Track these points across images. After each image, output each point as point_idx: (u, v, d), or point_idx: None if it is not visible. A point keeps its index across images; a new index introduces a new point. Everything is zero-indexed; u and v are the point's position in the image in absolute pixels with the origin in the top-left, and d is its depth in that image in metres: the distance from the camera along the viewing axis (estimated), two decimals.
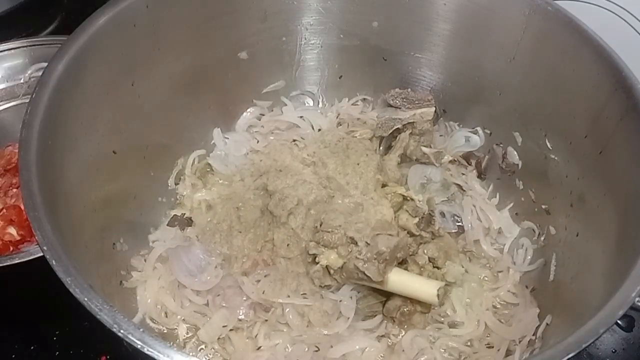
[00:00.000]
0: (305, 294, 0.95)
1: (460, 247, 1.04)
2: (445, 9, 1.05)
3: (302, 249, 0.97)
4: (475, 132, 1.14)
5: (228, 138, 1.16)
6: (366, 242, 0.91)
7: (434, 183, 1.09)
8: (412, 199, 1.04)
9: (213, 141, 1.15)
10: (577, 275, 0.90)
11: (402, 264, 0.94)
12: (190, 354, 0.83)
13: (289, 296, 0.94)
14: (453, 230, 1.05)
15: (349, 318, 0.93)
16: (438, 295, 0.88)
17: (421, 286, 0.90)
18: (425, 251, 0.97)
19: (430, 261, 0.97)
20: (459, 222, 1.07)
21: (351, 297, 0.94)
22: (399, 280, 0.91)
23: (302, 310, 0.93)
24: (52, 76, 0.80)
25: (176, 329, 0.94)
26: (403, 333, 0.93)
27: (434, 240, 1.00)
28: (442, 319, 0.96)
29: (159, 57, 0.97)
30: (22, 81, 1.22)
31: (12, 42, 1.23)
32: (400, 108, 1.13)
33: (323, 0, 1.09)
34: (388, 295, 0.94)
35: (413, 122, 1.11)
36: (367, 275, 0.89)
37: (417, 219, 0.99)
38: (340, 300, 0.94)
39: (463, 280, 0.99)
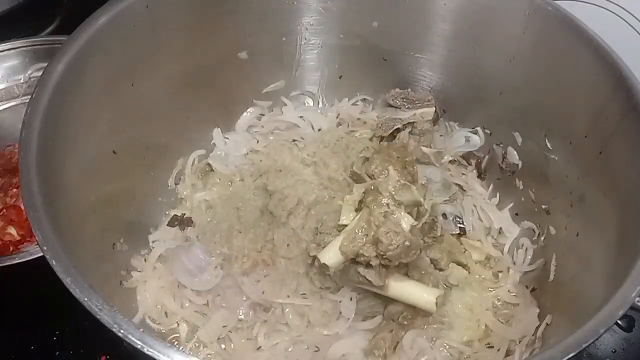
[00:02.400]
0: (305, 294, 0.95)
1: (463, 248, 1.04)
2: (445, 9, 1.05)
3: (302, 249, 0.97)
4: (475, 132, 1.14)
5: (228, 138, 1.16)
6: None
7: (434, 183, 1.09)
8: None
9: (213, 141, 1.15)
10: (577, 275, 0.90)
11: (401, 268, 0.94)
12: (190, 354, 0.83)
13: (288, 296, 0.94)
14: (454, 232, 1.05)
15: (349, 319, 0.92)
16: (436, 303, 0.88)
17: (421, 294, 0.90)
18: (428, 252, 0.96)
19: (432, 262, 0.96)
20: (460, 223, 1.07)
21: (351, 299, 0.94)
22: (400, 286, 0.90)
23: (302, 311, 0.93)
24: (52, 76, 0.80)
25: (176, 329, 0.94)
26: (403, 333, 0.93)
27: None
28: (443, 319, 0.96)
29: (159, 57, 0.97)
30: (22, 81, 1.22)
31: (12, 42, 1.23)
32: (400, 108, 1.13)
33: (323, 0, 1.09)
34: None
35: (413, 122, 1.11)
36: (367, 280, 0.89)
37: (420, 224, 0.98)
38: (340, 301, 0.94)
39: (465, 283, 0.99)
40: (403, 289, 0.90)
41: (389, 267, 0.90)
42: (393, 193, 0.91)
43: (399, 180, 0.93)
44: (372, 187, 0.93)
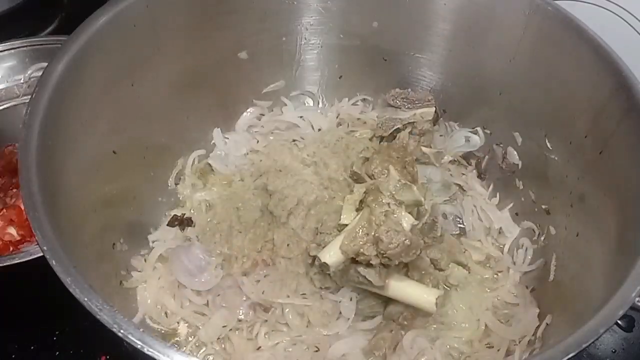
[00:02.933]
0: (305, 294, 0.95)
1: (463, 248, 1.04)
2: (445, 9, 1.05)
3: (302, 249, 0.97)
4: (475, 132, 1.14)
5: (228, 138, 1.16)
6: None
7: (434, 183, 1.09)
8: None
9: (213, 141, 1.15)
10: (577, 275, 0.90)
11: (401, 268, 0.94)
12: (190, 354, 0.83)
13: (288, 296, 0.94)
14: (455, 232, 1.05)
15: (349, 319, 0.92)
16: (436, 303, 0.88)
17: (421, 294, 0.89)
18: (428, 252, 0.96)
19: (432, 262, 0.96)
20: (460, 223, 1.06)
21: (351, 299, 0.94)
22: (400, 286, 0.90)
23: (302, 311, 0.93)
24: (52, 76, 0.79)
25: (176, 329, 0.94)
26: (403, 333, 0.93)
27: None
28: (443, 319, 0.96)
29: (159, 57, 0.97)
30: (22, 81, 1.22)
31: (12, 42, 1.22)
32: (400, 108, 1.13)
33: (323, 0, 1.09)
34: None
35: (413, 122, 1.11)
36: (367, 280, 0.89)
37: (420, 224, 0.98)
38: (340, 301, 0.94)
39: (465, 283, 0.99)
40: (403, 289, 0.90)
41: (389, 267, 0.90)
42: (394, 193, 0.91)
43: (399, 180, 0.93)
44: (373, 187, 0.93)
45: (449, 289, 0.98)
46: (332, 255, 0.89)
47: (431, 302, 0.88)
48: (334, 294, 0.95)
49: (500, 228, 1.08)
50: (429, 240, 0.97)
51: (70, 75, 0.81)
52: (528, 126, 1.04)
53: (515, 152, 1.08)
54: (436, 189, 1.09)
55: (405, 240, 0.86)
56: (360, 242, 0.88)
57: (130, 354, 0.62)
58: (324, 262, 0.89)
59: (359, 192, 0.94)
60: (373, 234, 0.87)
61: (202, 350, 0.92)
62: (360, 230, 0.88)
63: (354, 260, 0.90)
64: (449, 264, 0.98)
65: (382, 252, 0.87)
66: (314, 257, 0.93)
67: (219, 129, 1.15)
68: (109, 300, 0.63)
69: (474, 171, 1.15)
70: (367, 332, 0.93)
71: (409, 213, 0.91)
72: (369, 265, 0.89)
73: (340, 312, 0.94)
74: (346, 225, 0.92)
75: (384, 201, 0.91)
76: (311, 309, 0.93)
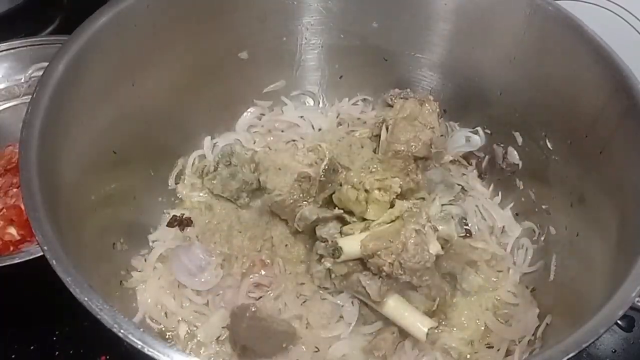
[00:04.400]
0: (304, 295, 0.95)
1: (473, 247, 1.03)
2: (445, 9, 1.05)
3: (302, 249, 0.98)
4: (476, 132, 1.14)
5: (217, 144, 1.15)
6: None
7: (436, 184, 1.08)
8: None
9: (215, 141, 1.15)
10: (577, 275, 0.90)
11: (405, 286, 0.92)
12: (190, 354, 0.83)
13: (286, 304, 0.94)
14: (461, 234, 1.04)
15: (350, 324, 0.92)
16: (428, 334, 0.87)
17: (414, 322, 0.88)
18: (445, 262, 0.95)
19: (448, 274, 0.96)
20: (466, 224, 1.06)
21: (353, 304, 0.94)
22: (396, 307, 0.89)
23: (301, 312, 0.93)
24: (52, 76, 0.80)
25: (176, 328, 0.94)
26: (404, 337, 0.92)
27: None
28: (443, 320, 0.96)
29: (159, 57, 0.97)
30: (22, 81, 1.22)
31: (12, 42, 1.22)
32: None
33: (323, 0, 1.09)
34: None
35: None
36: (367, 292, 0.88)
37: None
38: (343, 306, 0.94)
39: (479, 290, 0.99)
40: (399, 311, 0.89)
41: (392, 285, 0.89)
42: (433, 217, 0.93)
43: (443, 210, 0.96)
44: (415, 208, 0.93)
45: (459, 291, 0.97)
46: (350, 245, 0.89)
47: (423, 332, 0.87)
48: (333, 295, 0.95)
49: (503, 227, 1.07)
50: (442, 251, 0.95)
51: (70, 75, 0.81)
52: (528, 126, 1.04)
53: (516, 152, 1.08)
54: (440, 189, 1.08)
55: (427, 262, 0.86)
56: (382, 245, 0.87)
57: (130, 354, 0.62)
58: (334, 261, 0.89)
59: (399, 209, 0.94)
60: (397, 243, 0.87)
61: (202, 350, 0.92)
62: (387, 235, 0.88)
63: (364, 266, 0.89)
64: (463, 267, 0.97)
65: (401, 261, 0.86)
66: (321, 256, 0.93)
67: (209, 136, 1.14)
68: (109, 300, 0.63)
69: (475, 171, 1.15)
70: (367, 335, 0.93)
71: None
72: (374, 274, 0.88)
73: (341, 316, 0.93)
74: (372, 220, 0.92)
75: (420, 221, 0.91)
76: (310, 310, 0.93)
